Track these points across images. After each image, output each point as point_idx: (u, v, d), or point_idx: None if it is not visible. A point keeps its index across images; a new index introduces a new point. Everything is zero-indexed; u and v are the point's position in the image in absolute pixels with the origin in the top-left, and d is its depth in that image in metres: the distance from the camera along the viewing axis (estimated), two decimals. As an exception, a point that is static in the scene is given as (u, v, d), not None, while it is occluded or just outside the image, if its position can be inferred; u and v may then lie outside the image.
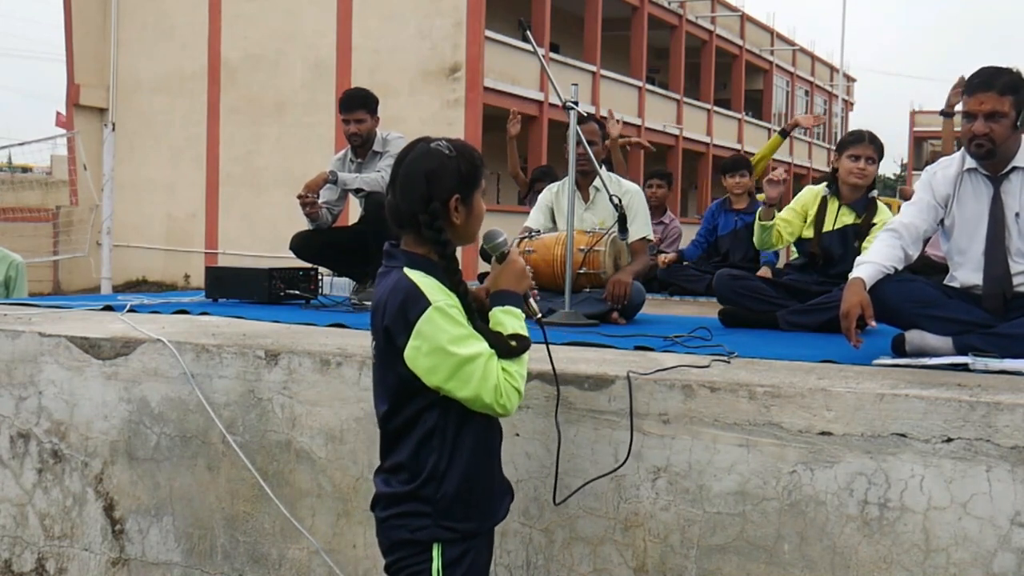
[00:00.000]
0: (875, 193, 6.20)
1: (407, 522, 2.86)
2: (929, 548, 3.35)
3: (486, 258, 3.50)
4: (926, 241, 4.95)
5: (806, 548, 3.49)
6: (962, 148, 4.62)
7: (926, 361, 4.16)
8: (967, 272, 4.56)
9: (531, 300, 3.06)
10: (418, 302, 2.77)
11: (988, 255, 4.47)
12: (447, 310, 2.77)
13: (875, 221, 6.01)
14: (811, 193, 6.31)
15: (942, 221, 4.65)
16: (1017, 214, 4.45)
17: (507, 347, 2.84)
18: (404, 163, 2.93)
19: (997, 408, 3.29)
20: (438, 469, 2.84)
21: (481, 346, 2.79)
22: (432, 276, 2.85)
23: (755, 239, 6.35)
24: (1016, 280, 4.44)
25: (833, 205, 6.17)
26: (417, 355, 2.77)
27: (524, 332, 2.90)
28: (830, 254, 6.10)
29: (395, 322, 2.80)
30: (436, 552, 2.83)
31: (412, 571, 2.86)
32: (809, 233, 6.19)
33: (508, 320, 2.90)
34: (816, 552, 3.48)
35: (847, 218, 6.12)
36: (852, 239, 6.03)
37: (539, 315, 3.09)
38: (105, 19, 28.56)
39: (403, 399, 2.85)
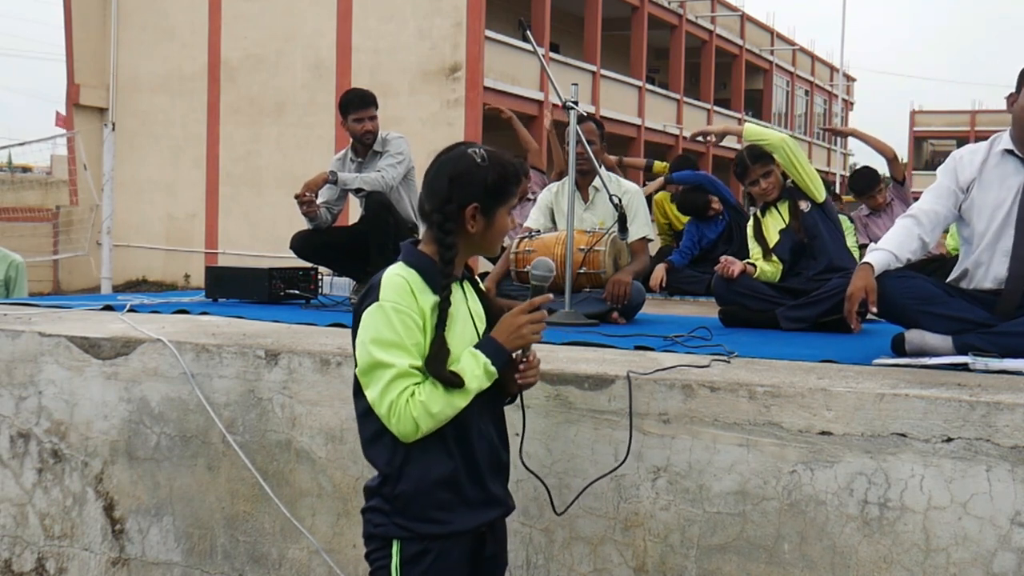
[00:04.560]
0: (789, 182, 6.30)
1: (371, 517, 2.93)
2: (929, 548, 3.35)
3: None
4: None
5: (806, 548, 3.49)
6: (992, 136, 4.60)
7: (926, 361, 4.16)
8: (980, 253, 4.49)
9: (514, 355, 2.96)
10: (372, 295, 2.82)
11: (1018, 236, 4.38)
12: (389, 311, 2.77)
13: (799, 185, 6.20)
14: (750, 221, 6.50)
15: (960, 206, 4.60)
16: None
17: (443, 373, 2.80)
18: (437, 162, 2.95)
19: (997, 408, 3.30)
20: (392, 467, 2.86)
21: (400, 359, 2.76)
22: (420, 275, 2.85)
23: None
24: None
25: (771, 215, 6.28)
26: (356, 343, 2.84)
27: (469, 383, 2.82)
28: (794, 254, 6.15)
29: (358, 309, 2.87)
30: (396, 548, 2.87)
31: (378, 564, 2.92)
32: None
33: (467, 363, 2.85)
34: (816, 552, 3.48)
35: (785, 210, 6.23)
36: (796, 233, 6.13)
37: (521, 362, 2.99)
38: (105, 19, 28.55)
39: (359, 388, 2.88)
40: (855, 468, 3.43)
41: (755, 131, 6.18)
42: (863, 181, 8.87)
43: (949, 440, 3.33)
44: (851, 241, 7.78)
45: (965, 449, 3.31)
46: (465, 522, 2.92)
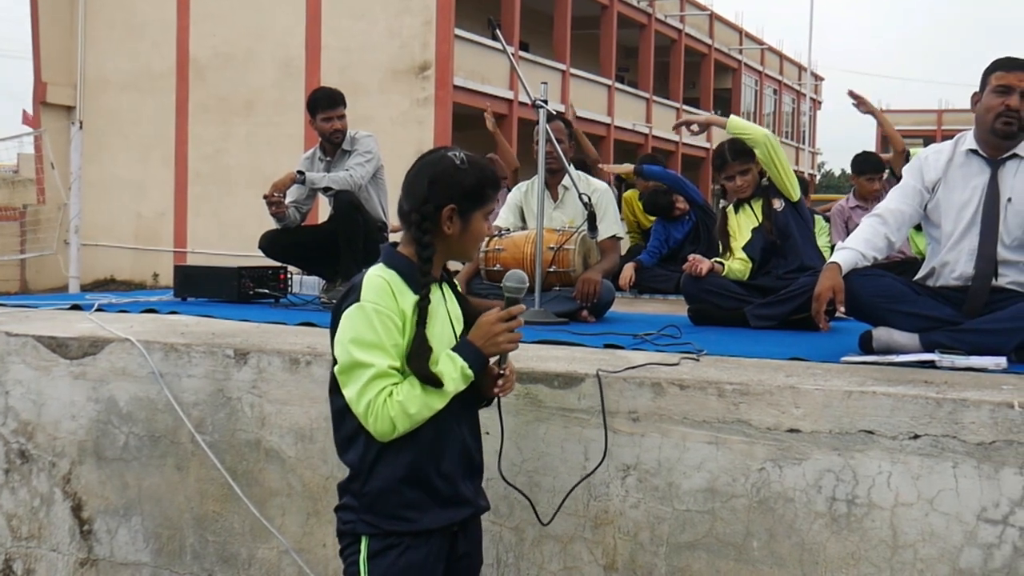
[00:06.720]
0: (765, 180, 6.28)
1: (341, 514, 2.99)
2: (896, 544, 3.37)
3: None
4: None
5: (775, 545, 3.51)
6: (957, 136, 4.64)
7: (893, 358, 4.19)
8: (947, 252, 4.53)
9: (491, 364, 3.01)
10: (352, 295, 2.87)
11: (983, 235, 4.44)
12: (370, 312, 2.82)
13: (773, 184, 6.17)
14: (720, 216, 6.50)
15: (926, 206, 4.64)
16: (1010, 200, 4.46)
17: (425, 370, 2.84)
18: (418, 164, 3.00)
19: (963, 405, 3.32)
20: (364, 464, 2.91)
21: (379, 359, 2.80)
22: (399, 275, 2.89)
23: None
24: (1000, 269, 4.43)
25: (744, 213, 6.26)
26: (335, 342, 2.89)
27: (447, 385, 2.86)
28: (764, 252, 6.16)
29: (338, 308, 2.91)
30: (364, 544, 2.93)
31: (349, 560, 2.97)
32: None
33: (445, 365, 2.88)
34: (785, 549, 3.50)
35: (758, 208, 6.21)
36: (768, 234, 6.12)
37: (500, 374, 3.03)
38: (73, 16, 28.31)
39: (336, 386, 2.92)
40: (823, 465, 3.45)
41: (739, 124, 6.18)
42: (870, 163, 8.84)
43: (916, 437, 3.35)
44: (823, 241, 7.81)
45: (932, 446, 3.34)
46: (433, 521, 2.95)
